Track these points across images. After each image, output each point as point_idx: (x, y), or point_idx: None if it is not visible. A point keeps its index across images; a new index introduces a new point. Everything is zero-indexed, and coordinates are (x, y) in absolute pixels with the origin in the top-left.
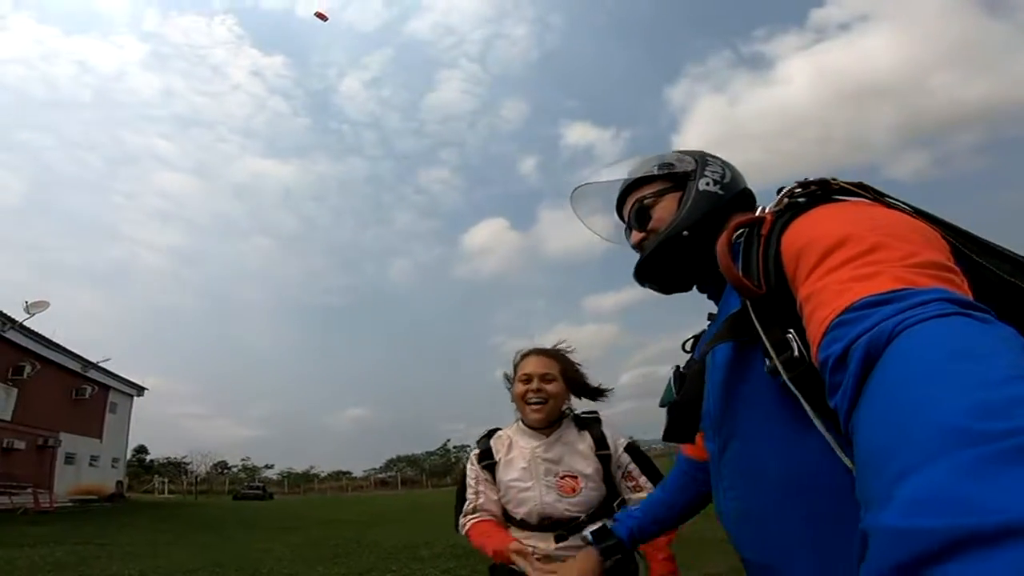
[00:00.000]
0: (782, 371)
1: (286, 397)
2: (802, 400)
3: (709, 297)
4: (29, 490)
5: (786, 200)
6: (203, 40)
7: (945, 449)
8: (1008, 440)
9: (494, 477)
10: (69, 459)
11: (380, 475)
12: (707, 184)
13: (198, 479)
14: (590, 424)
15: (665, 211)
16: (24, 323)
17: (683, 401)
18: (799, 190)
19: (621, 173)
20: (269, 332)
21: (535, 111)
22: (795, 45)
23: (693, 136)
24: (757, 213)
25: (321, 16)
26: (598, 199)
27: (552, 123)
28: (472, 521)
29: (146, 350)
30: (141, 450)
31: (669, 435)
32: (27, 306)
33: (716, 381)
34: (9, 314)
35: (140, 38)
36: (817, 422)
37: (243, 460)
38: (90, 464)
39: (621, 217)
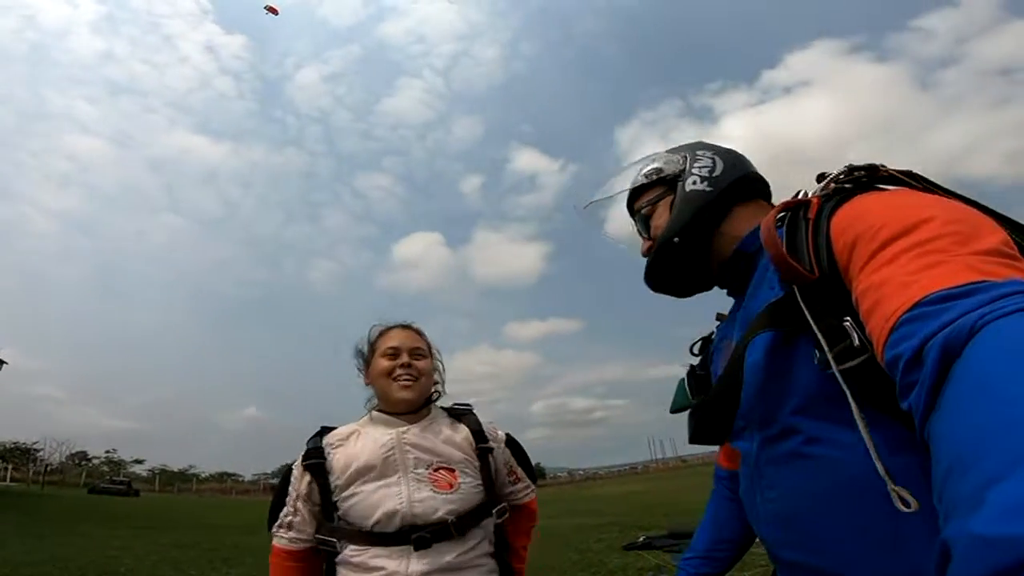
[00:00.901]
0: (833, 363)
1: (171, 389)
2: (848, 394)
3: (730, 293)
4: None
5: (833, 185)
6: (164, 9)
7: None
8: None
9: (322, 485)
10: None
11: (271, 480)
12: (694, 183)
13: (48, 468)
14: (464, 415)
15: (661, 219)
16: None
17: (715, 398)
18: (844, 176)
19: (629, 177)
20: (162, 317)
21: (488, 132)
22: (743, 102)
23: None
24: (799, 197)
25: (271, 10)
26: (618, 208)
27: (503, 146)
28: (281, 546)
29: (10, 319)
30: None
31: (698, 437)
32: None
33: (755, 374)
34: None
35: (99, 0)
36: (859, 419)
37: (107, 452)
38: None
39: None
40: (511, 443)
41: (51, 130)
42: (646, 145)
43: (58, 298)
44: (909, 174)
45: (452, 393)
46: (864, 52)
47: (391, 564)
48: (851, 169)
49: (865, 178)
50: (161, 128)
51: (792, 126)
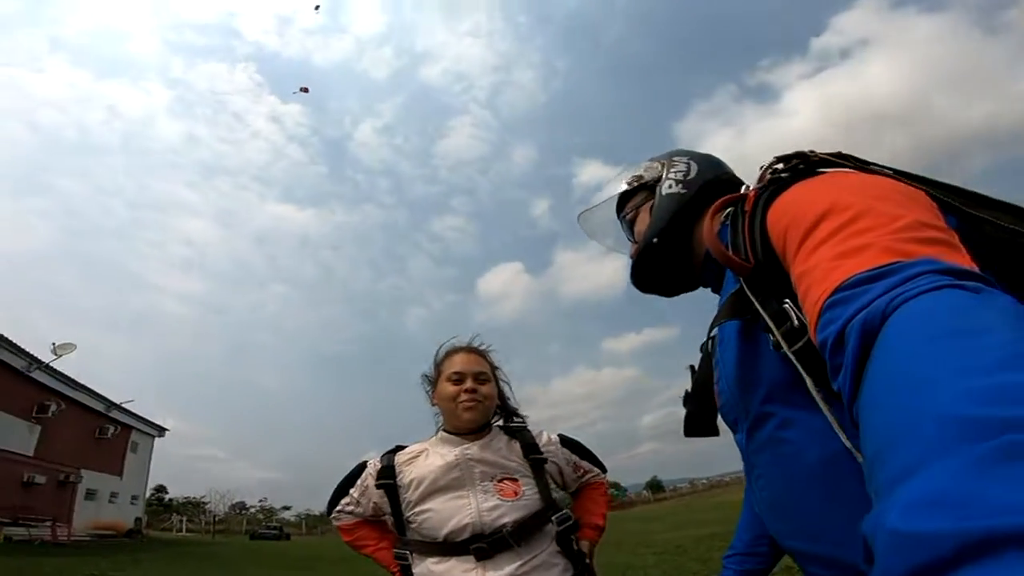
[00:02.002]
0: (783, 344)
1: (304, 441)
2: (803, 373)
3: (713, 291)
4: (48, 523)
5: (768, 176)
6: (225, 87)
7: (947, 443)
8: (1016, 431)
9: (393, 502)
10: (90, 495)
11: None
12: (669, 186)
13: (216, 519)
14: (518, 432)
15: (643, 223)
16: (50, 364)
17: (695, 389)
18: (780, 165)
19: (616, 187)
20: (286, 378)
21: (545, 153)
22: (799, 74)
23: None
24: (741, 191)
25: (303, 90)
26: (606, 217)
27: (563, 163)
28: (342, 522)
29: (168, 393)
30: (160, 489)
31: (689, 430)
32: (54, 347)
33: (728, 364)
34: (36, 355)
35: (167, 84)
36: (817, 397)
37: (260, 501)
38: (110, 500)
39: None
40: (567, 442)
41: (162, 217)
42: (712, 136)
43: (202, 370)
44: (840, 155)
45: (551, 418)
46: (909, 5)
47: (465, 574)
48: (784, 158)
49: (801, 165)
50: (254, 202)
51: (862, 89)
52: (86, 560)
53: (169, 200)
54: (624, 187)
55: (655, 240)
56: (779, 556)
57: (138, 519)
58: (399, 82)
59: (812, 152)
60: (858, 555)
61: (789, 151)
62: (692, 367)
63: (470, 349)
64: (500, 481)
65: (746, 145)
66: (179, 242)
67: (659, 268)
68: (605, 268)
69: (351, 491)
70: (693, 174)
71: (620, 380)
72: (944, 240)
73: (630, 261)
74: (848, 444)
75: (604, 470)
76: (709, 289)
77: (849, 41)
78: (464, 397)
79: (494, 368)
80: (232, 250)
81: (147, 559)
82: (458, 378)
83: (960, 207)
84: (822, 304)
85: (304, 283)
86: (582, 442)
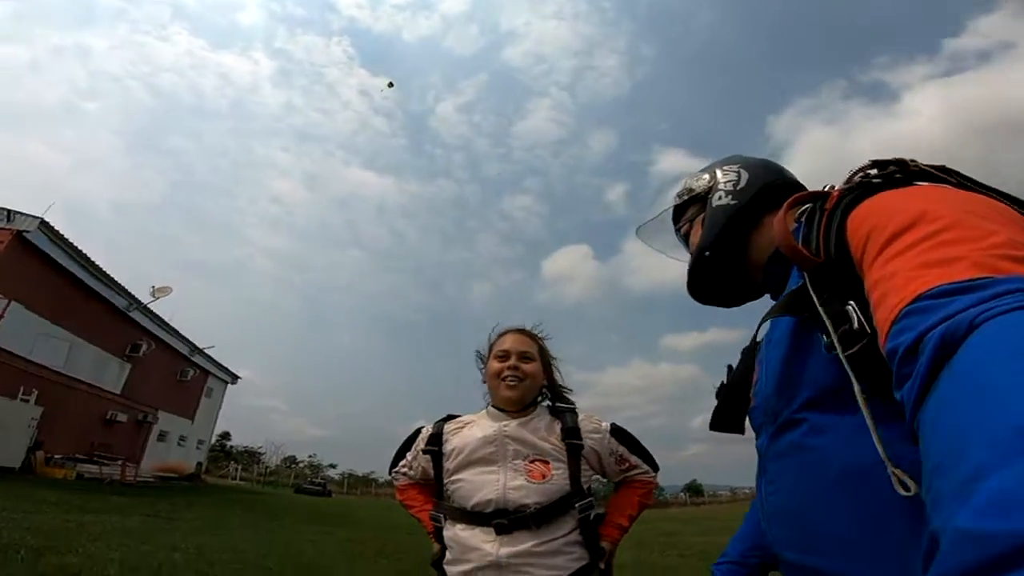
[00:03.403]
0: (838, 345)
1: (359, 403)
2: (852, 378)
3: (773, 297)
4: (119, 462)
5: (858, 178)
6: (320, 58)
7: (1022, 449)
8: None
9: (436, 468)
10: (161, 436)
11: None
12: (719, 198)
13: (267, 470)
14: (564, 413)
15: (697, 235)
16: (148, 305)
17: (732, 383)
18: (874, 170)
19: (668, 203)
20: (352, 340)
21: (625, 139)
22: (924, 75)
23: (796, 168)
24: (824, 189)
25: (390, 85)
26: (664, 228)
27: (643, 149)
28: (401, 481)
29: (244, 343)
30: (224, 436)
31: (717, 423)
32: (153, 290)
33: (773, 362)
34: (136, 296)
35: (271, 55)
36: (859, 397)
37: (310, 456)
38: (178, 443)
39: None
40: (618, 433)
41: (260, 177)
42: (810, 133)
43: (279, 324)
44: (943, 169)
45: (602, 407)
46: None
47: (486, 546)
48: (881, 163)
49: (898, 174)
50: (339, 168)
51: (1000, 94)
52: (145, 501)
53: (266, 162)
54: (676, 201)
55: (707, 253)
56: (766, 570)
57: (199, 464)
58: (481, 61)
59: (913, 161)
60: (856, 571)
61: (897, 156)
62: (730, 366)
63: (520, 330)
64: (532, 461)
65: (851, 146)
66: (270, 200)
67: (714, 280)
68: (674, 263)
69: (407, 455)
70: (744, 183)
71: (677, 377)
72: None
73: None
74: (880, 447)
75: (655, 468)
76: (771, 297)
77: (989, 44)
78: (507, 374)
79: (543, 351)
80: (316, 212)
81: (200, 503)
82: (503, 356)
83: None
84: (899, 311)
85: (378, 249)
86: (636, 437)
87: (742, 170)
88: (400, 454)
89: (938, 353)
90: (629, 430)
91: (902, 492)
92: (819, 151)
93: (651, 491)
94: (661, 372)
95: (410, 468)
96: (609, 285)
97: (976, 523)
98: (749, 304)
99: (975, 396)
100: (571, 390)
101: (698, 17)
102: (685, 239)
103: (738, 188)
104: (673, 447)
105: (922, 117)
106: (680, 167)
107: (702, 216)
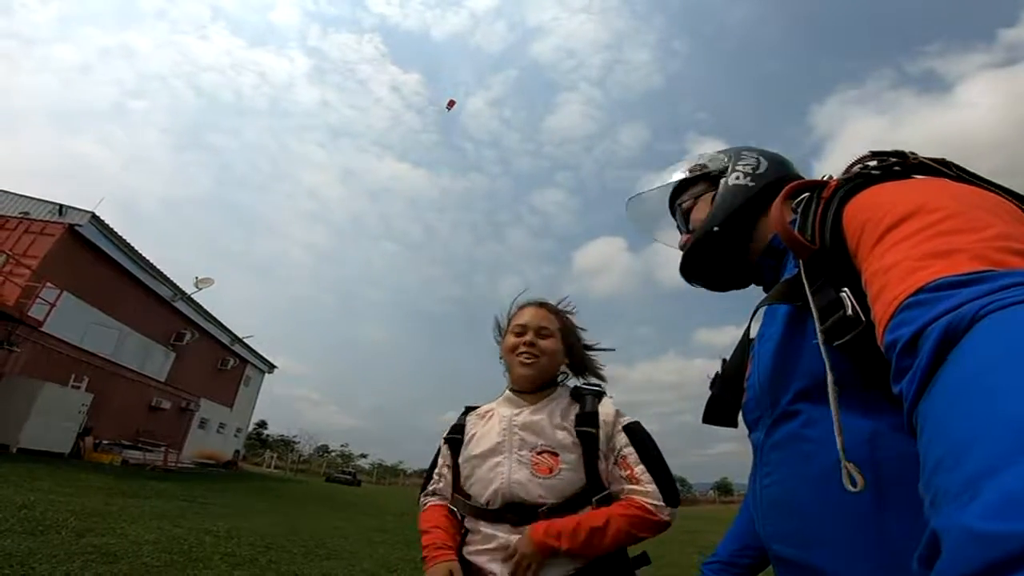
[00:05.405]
0: (819, 335)
1: (390, 394)
2: (827, 366)
3: (766, 289)
4: (162, 448)
5: (857, 169)
6: (352, 56)
7: None
8: None
9: (455, 459)
10: (202, 424)
11: None
12: (737, 178)
13: (300, 458)
14: (586, 397)
15: (701, 212)
16: (191, 295)
17: (726, 375)
18: (874, 162)
19: (671, 177)
20: (384, 333)
21: (659, 130)
22: (981, 64)
23: (839, 158)
24: (822, 179)
25: (451, 103)
26: (657, 206)
27: (679, 138)
28: (429, 503)
29: (280, 333)
30: (261, 424)
31: (709, 415)
32: (196, 281)
33: (765, 356)
34: (181, 287)
35: (305, 53)
36: (831, 390)
37: (342, 446)
38: (218, 431)
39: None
40: (633, 433)
41: (296, 173)
42: (857, 123)
43: (315, 316)
44: (942, 162)
45: (632, 402)
46: None
47: (502, 540)
48: (880, 154)
49: (897, 167)
50: (372, 163)
51: None
52: (183, 486)
53: (303, 159)
54: (686, 174)
55: (716, 229)
56: (756, 571)
57: (237, 451)
58: (510, 56)
59: (913, 154)
60: (845, 566)
61: (897, 148)
62: (724, 360)
63: (540, 303)
64: (539, 453)
65: (901, 136)
66: (307, 196)
67: (713, 258)
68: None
69: (435, 469)
70: (763, 169)
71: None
72: None
73: (681, 250)
74: (839, 439)
75: (669, 500)
76: (761, 288)
77: None
78: (523, 350)
79: (566, 328)
80: (350, 207)
81: (234, 490)
82: (520, 331)
83: None
84: (899, 303)
85: (410, 242)
86: (657, 446)
87: (761, 158)
88: (429, 476)
89: (940, 347)
90: (650, 435)
91: (850, 488)
92: (867, 142)
93: (649, 522)
94: (695, 367)
95: (439, 479)
96: (643, 277)
97: (983, 523)
98: None
99: (980, 391)
100: (603, 366)
101: (731, 13)
102: (685, 215)
103: (756, 172)
104: (703, 445)
105: (978, 108)
106: None
107: (710, 194)
